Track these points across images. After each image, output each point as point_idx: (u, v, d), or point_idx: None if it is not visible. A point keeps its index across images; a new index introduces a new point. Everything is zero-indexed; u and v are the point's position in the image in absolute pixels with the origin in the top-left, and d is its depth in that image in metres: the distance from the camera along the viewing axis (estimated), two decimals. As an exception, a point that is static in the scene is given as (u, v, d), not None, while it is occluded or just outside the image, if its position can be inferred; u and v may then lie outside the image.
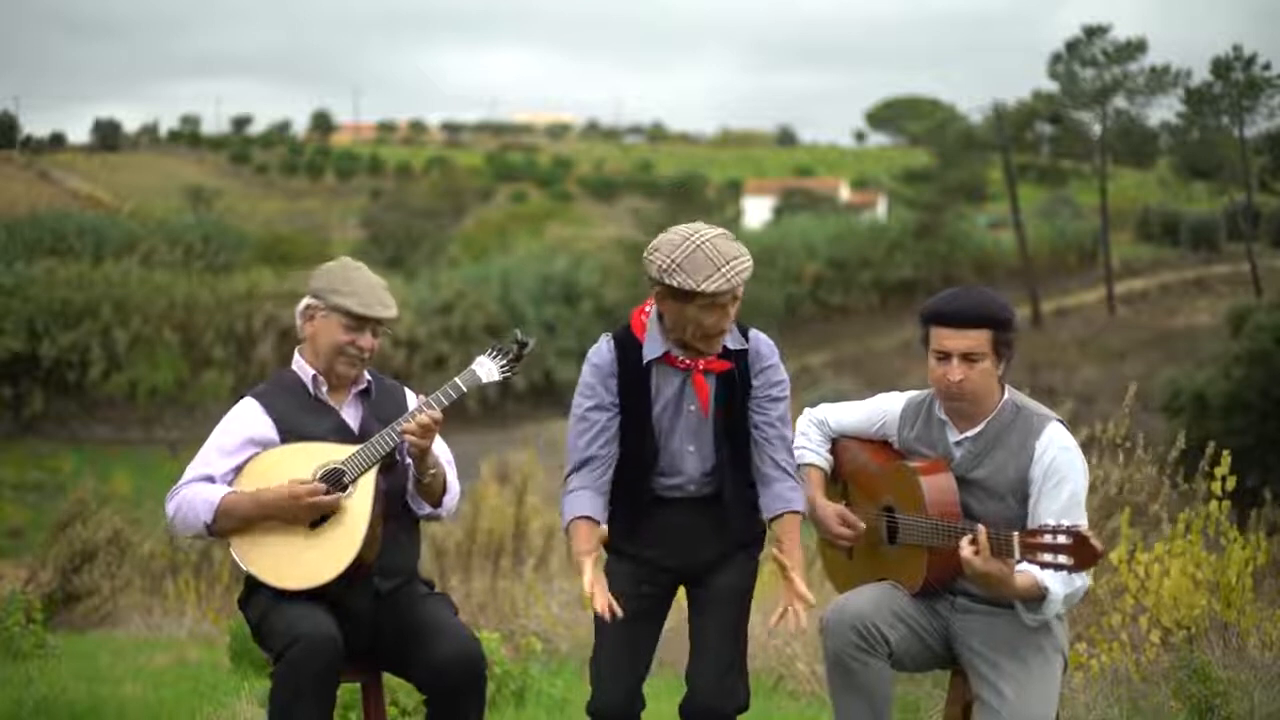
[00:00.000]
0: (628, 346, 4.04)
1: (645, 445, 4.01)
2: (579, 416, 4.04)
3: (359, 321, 4.06)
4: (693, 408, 4.00)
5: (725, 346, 4.00)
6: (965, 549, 3.68)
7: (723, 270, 3.84)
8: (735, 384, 4.02)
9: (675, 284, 3.84)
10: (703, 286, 3.82)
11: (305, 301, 4.13)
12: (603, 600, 3.83)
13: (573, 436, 4.06)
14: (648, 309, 4.04)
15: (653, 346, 4.01)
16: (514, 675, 6.19)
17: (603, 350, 4.07)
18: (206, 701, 5.68)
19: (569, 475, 4.03)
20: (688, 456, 4.02)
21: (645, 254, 3.92)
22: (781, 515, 3.95)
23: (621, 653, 4.03)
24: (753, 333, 4.08)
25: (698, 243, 3.87)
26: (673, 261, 3.85)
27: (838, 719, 3.91)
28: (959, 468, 3.95)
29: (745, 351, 4.03)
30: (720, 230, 3.94)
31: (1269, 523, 6.23)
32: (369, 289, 4.08)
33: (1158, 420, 24.18)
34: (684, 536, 4.03)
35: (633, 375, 4.02)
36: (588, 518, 3.95)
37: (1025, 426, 3.91)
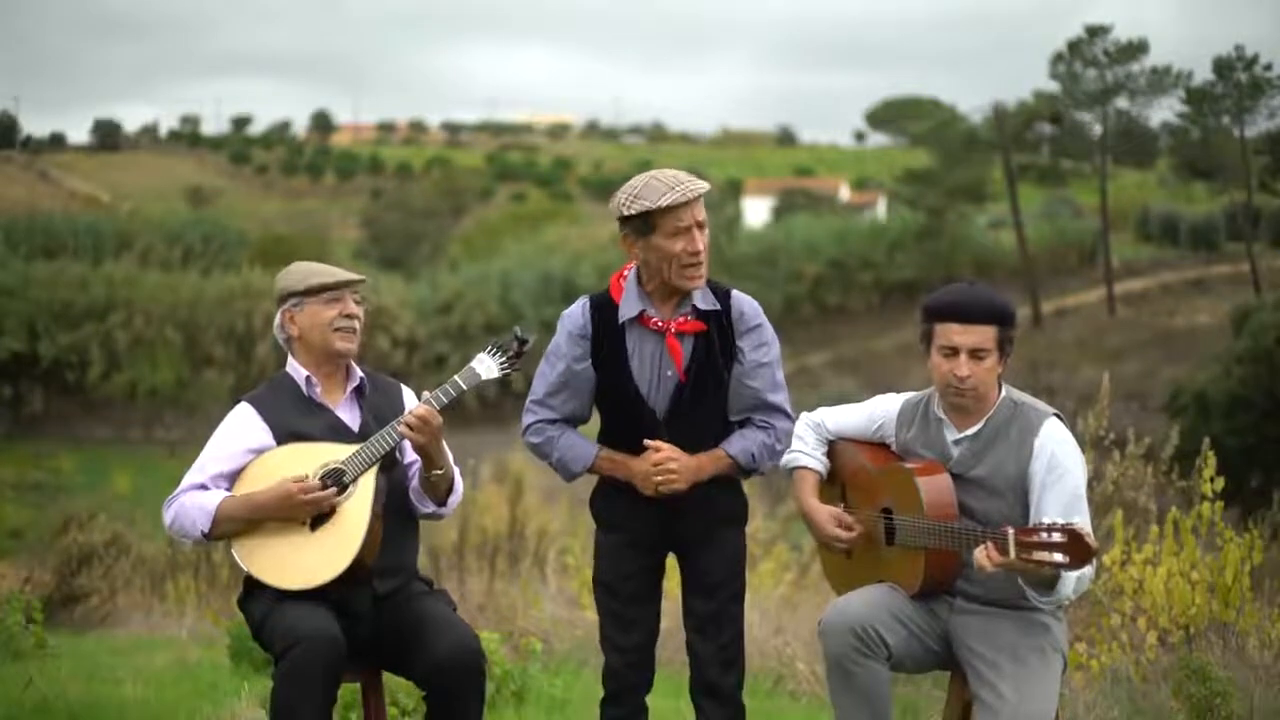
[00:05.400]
0: (604, 309, 4.03)
1: (642, 412, 3.99)
2: (554, 376, 4.04)
3: (336, 289, 4.08)
4: (669, 372, 3.98)
5: (696, 307, 3.97)
6: (980, 558, 3.68)
7: (676, 187, 3.86)
8: (713, 346, 3.99)
9: (636, 210, 3.86)
10: (660, 202, 3.83)
11: (280, 309, 4.14)
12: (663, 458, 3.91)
13: (544, 391, 4.06)
14: (626, 272, 4.03)
15: (628, 306, 3.99)
16: (514, 675, 6.17)
17: (575, 313, 4.06)
18: (206, 701, 5.67)
19: (551, 438, 4.06)
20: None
21: (609, 205, 3.97)
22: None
23: (626, 627, 4.09)
24: (734, 293, 4.04)
25: (651, 174, 3.94)
26: (630, 195, 3.89)
27: (838, 720, 3.92)
28: (958, 466, 3.95)
29: (719, 312, 4.00)
30: (677, 169, 4.01)
31: (1272, 524, 6.22)
32: (328, 267, 4.16)
33: (1159, 420, 24.14)
34: (670, 507, 4.01)
35: (608, 338, 4.00)
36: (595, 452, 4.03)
37: (1024, 422, 3.91)
